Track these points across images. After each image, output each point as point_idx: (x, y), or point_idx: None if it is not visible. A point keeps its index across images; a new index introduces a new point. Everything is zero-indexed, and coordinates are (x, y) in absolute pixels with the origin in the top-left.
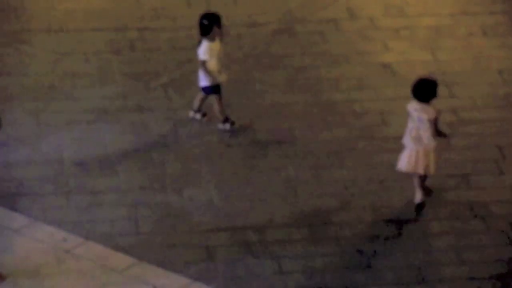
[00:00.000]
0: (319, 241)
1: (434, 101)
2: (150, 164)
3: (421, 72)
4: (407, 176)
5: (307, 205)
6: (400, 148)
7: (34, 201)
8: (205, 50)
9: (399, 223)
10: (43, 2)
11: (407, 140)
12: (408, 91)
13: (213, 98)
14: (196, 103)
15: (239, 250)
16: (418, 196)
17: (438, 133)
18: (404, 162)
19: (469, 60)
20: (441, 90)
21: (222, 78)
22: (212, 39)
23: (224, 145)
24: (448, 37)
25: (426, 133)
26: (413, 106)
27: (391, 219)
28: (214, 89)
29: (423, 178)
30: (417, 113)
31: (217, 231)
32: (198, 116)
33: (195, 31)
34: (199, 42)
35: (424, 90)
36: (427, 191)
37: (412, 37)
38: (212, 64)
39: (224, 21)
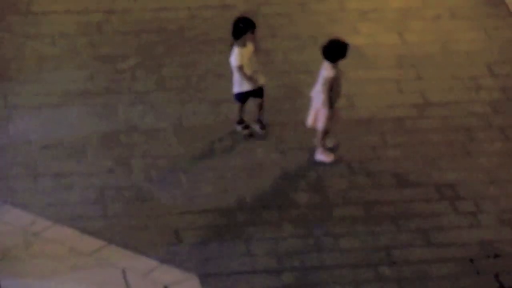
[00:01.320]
0: (287, 223)
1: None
2: (118, 146)
3: (389, 54)
4: (373, 158)
5: (276, 188)
6: (368, 130)
7: (2, 184)
8: (236, 56)
9: (367, 204)
10: None
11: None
12: (377, 73)
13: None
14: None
15: (207, 232)
16: (322, 157)
17: (327, 95)
18: (308, 117)
19: (437, 43)
20: (409, 72)
21: (261, 81)
22: (242, 45)
23: (192, 128)
24: (416, 19)
25: (318, 88)
26: (323, 64)
27: (358, 201)
28: (244, 96)
29: (321, 135)
30: (321, 69)
31: (186, 213)
32: (257, 128)
33: (162, 14)
34: (231, 46)
35: (331, 50)
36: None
37: (380, 19)
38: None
39: (192, 2)
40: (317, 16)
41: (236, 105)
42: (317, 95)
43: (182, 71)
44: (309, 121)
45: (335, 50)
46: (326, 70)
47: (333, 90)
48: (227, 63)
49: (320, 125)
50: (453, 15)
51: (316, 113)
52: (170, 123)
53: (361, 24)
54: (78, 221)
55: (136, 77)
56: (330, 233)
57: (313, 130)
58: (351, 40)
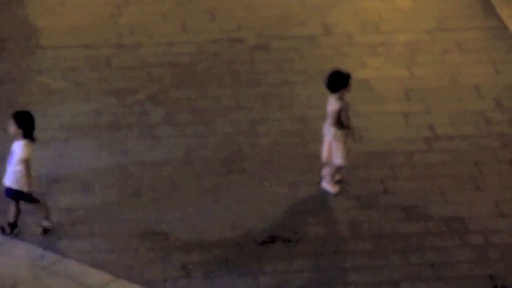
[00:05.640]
0: (297, 256)
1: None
2: (127, 180)
3: (397, 87)
4: (382, 191)
5: (285, 221)
6: (377, 164)
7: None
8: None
9: (376, 237)
10: (20, 19)
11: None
12: (386, 106)
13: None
14: None
15: (216, 266)
16: (328, 187)
17: (340, 124)
18: (323, 153)
19: (445, 76)
20: (417, 106)
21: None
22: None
23: (201, 161)
24: (424, 53)
25: (328, 122)
26: (330, 98)
27: (367, 234)
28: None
29: (335, 169)
30: (328, 104)
31: (194, 247)
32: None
33: (171, 48)
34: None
35: (333, 81)
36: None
37: (388, 53)
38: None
39: (201, 37)
40: (325, 50)
41: None
42: (328, 129)
43: (191, 105)
44: (324, 156)
45: (337, 81)
46: (331, 104)
47: (342, 121)
48: (236, 97)
49: (338, 160)
50: (461, 49)
51: (330, 148)
52: (178, 156)
53: (370, 58)
54: (87, 255)
55: (145, 111)
56: (339, 267)
57: (324, 163)
58: (360, 74)
